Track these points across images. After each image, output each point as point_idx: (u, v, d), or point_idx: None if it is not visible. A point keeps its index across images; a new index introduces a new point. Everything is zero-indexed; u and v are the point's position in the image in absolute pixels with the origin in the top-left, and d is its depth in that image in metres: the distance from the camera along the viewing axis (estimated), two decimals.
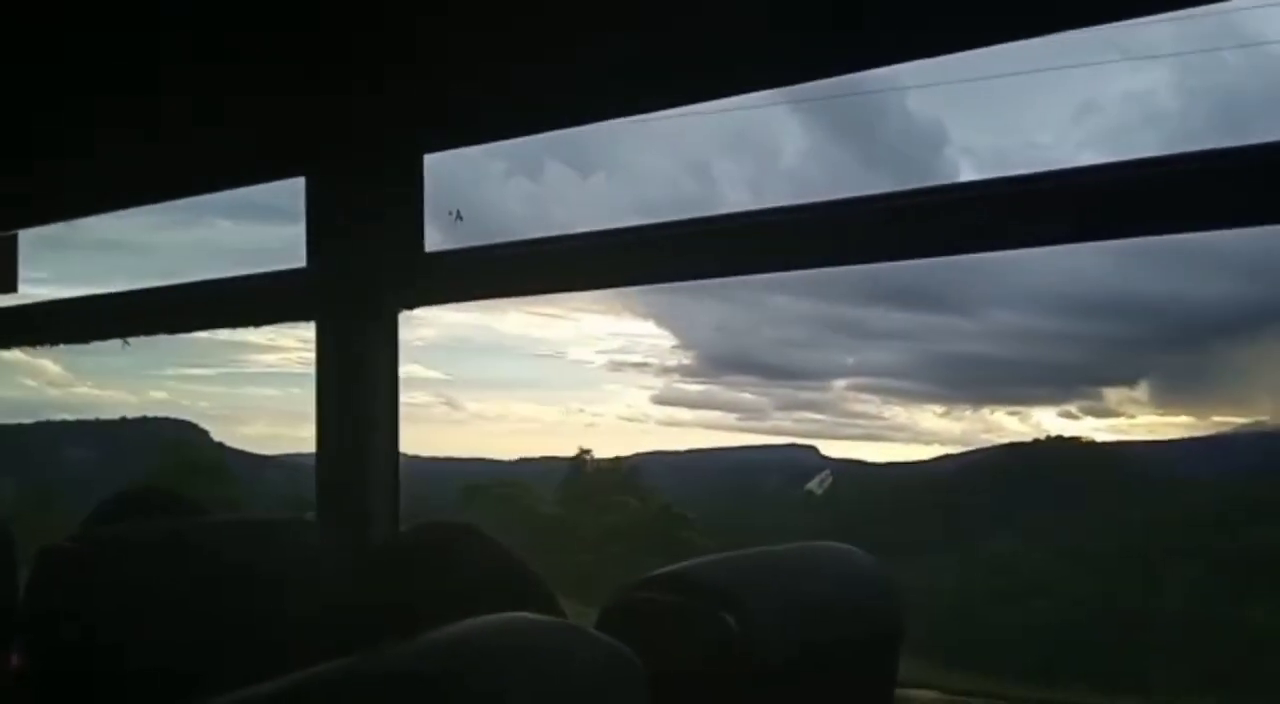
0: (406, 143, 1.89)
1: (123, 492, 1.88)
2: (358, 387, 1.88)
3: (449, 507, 8.82)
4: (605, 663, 0.82)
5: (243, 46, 1.61)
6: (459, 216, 1.95)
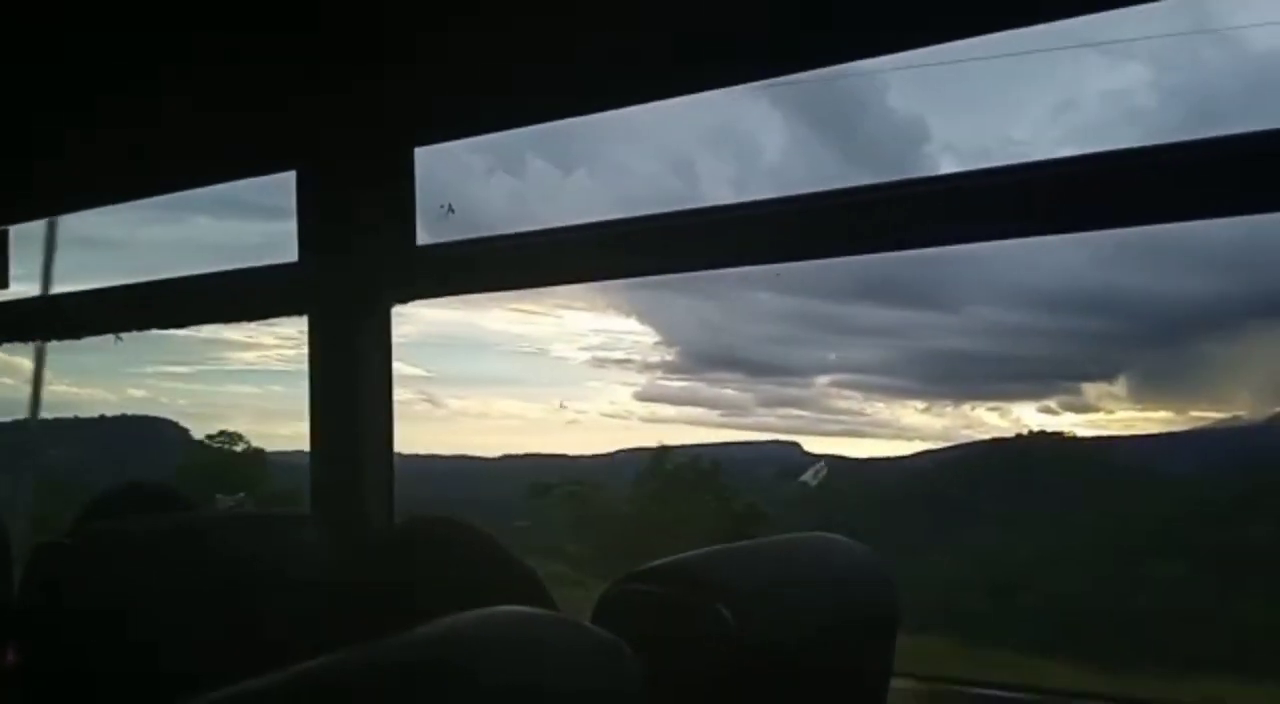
0: (398, 137, 1.89)
1: (117, 488, 1.89)
2: (351, 381, 1.88)
3: (502, 507, 8.65)
4: (598, 656, 0.83)
5: (234, 42, 1.61)
6: (450, 210, 1.95)
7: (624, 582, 1.13)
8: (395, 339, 1.92)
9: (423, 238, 1.91)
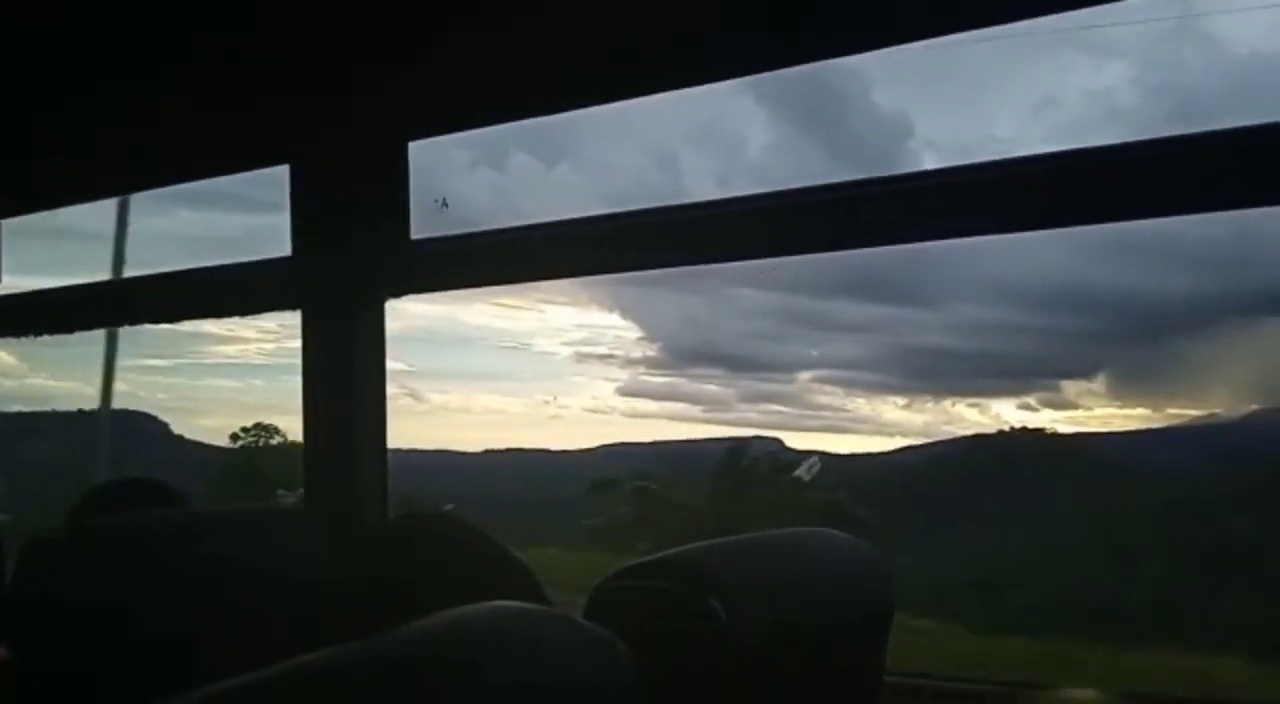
0: (391, 131, 1.89)
1: (110, 482, 1.89)
2: (346, 376, 1.88)
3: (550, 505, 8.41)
4: (592, 650, 0.83)
5: (228, 38, 1.61)
6: (444, 204, 1.95)
7: (617, 576, 1.13)
8: None
9: (416, 232, 1.91)
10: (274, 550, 1.44)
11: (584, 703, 0.80)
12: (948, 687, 1.89)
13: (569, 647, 0.82)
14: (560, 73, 1.63)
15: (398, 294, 1.90)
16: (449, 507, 8.25)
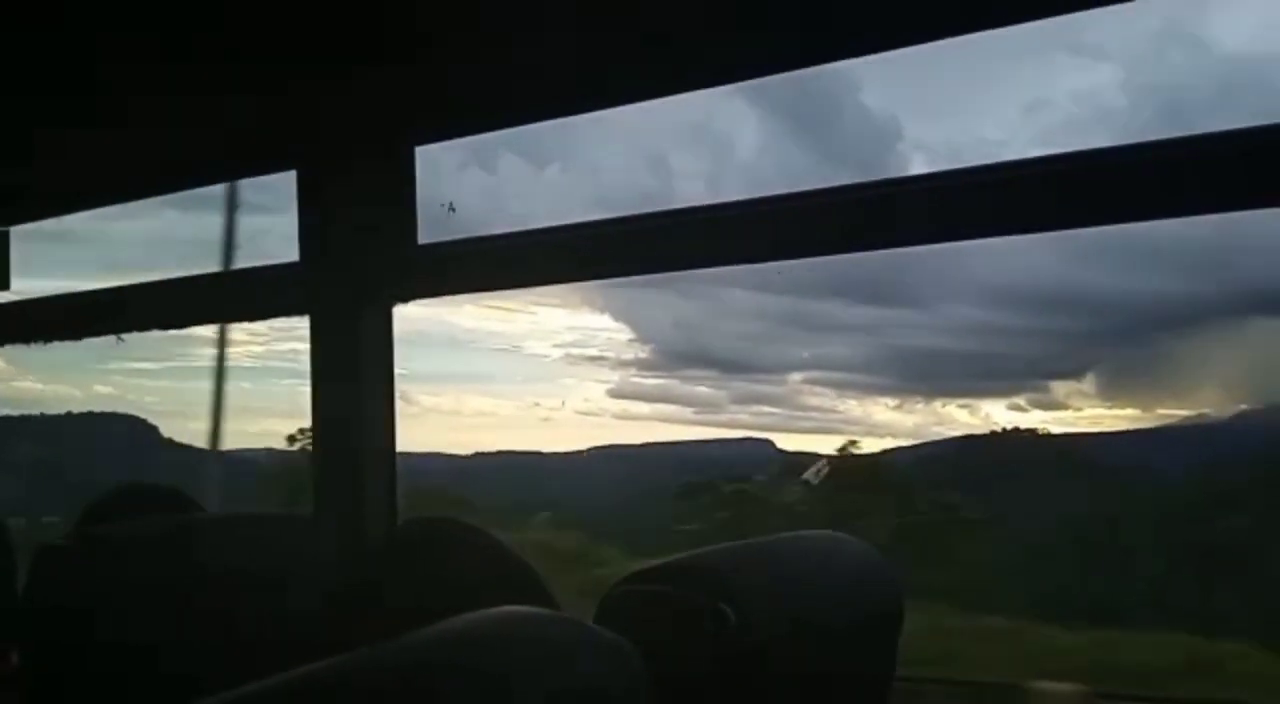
0: (398, 136, 1.89)
1: (119, 489, 1.89)
2: (353, 381, 1.88)
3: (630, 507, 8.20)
4: (603, 655, 0.83)
5: (234, 40, 1.61)
6: (452, 209, 1.95)
7: (627, 581, 1.13)
8: None
9: (423, 237, 1.92)
10: (284, 556, 1.44)
11: None
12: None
13: (580, 651, 0.82)
14: (569, 76, 1.63)
15: (405, 299, 1.90)
16: (545, 515, 8.00)
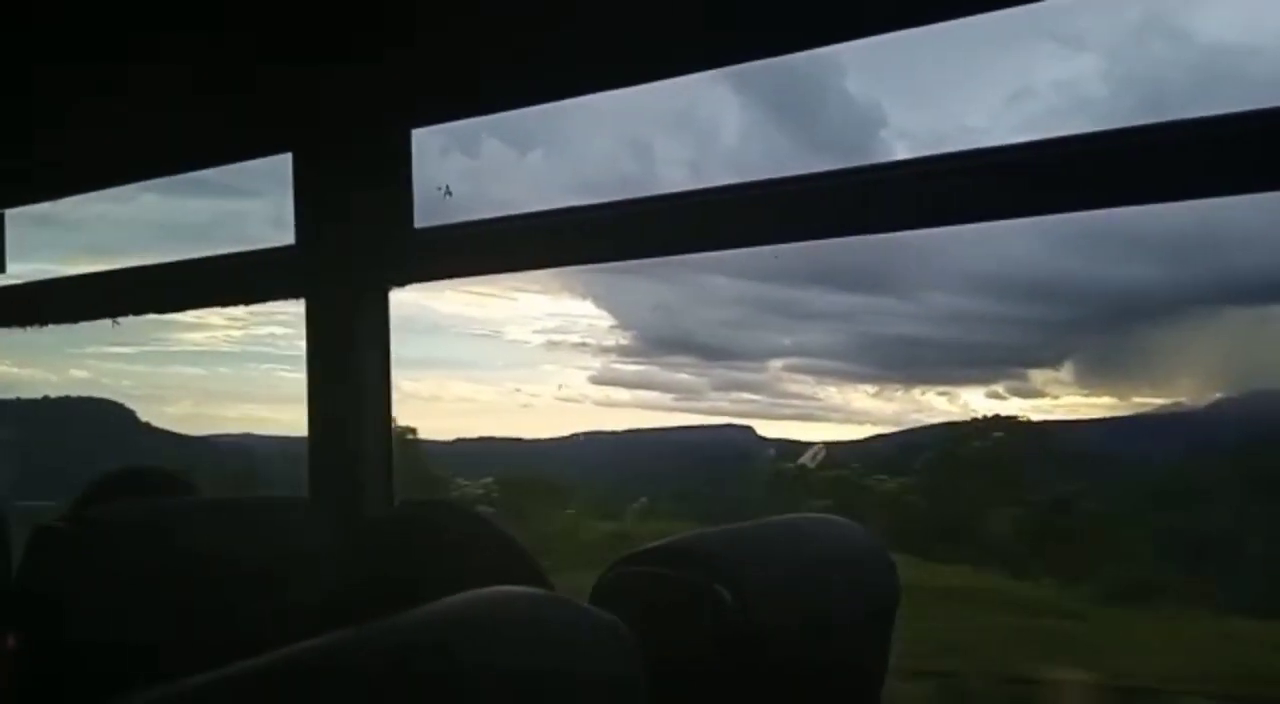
0: (394, 118, 1.87)
1: (115, 471, 1.88)
2: (349, 365, 1.88)
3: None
4: (597, 636, 0.82)
5: (229, 22, 1.60)
6: (448, 192, 1.94)
7: (623, 562, 1.13)
8: None
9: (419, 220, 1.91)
10: (279, 540, 1.44)
11: (589, 688, 0.80)
12: None
13: (574, 631, 0.81)
14: (565, 59, 1.62)
15: (401, 283, 1.89)
16: (641, 502, 7.74)
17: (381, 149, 1.87)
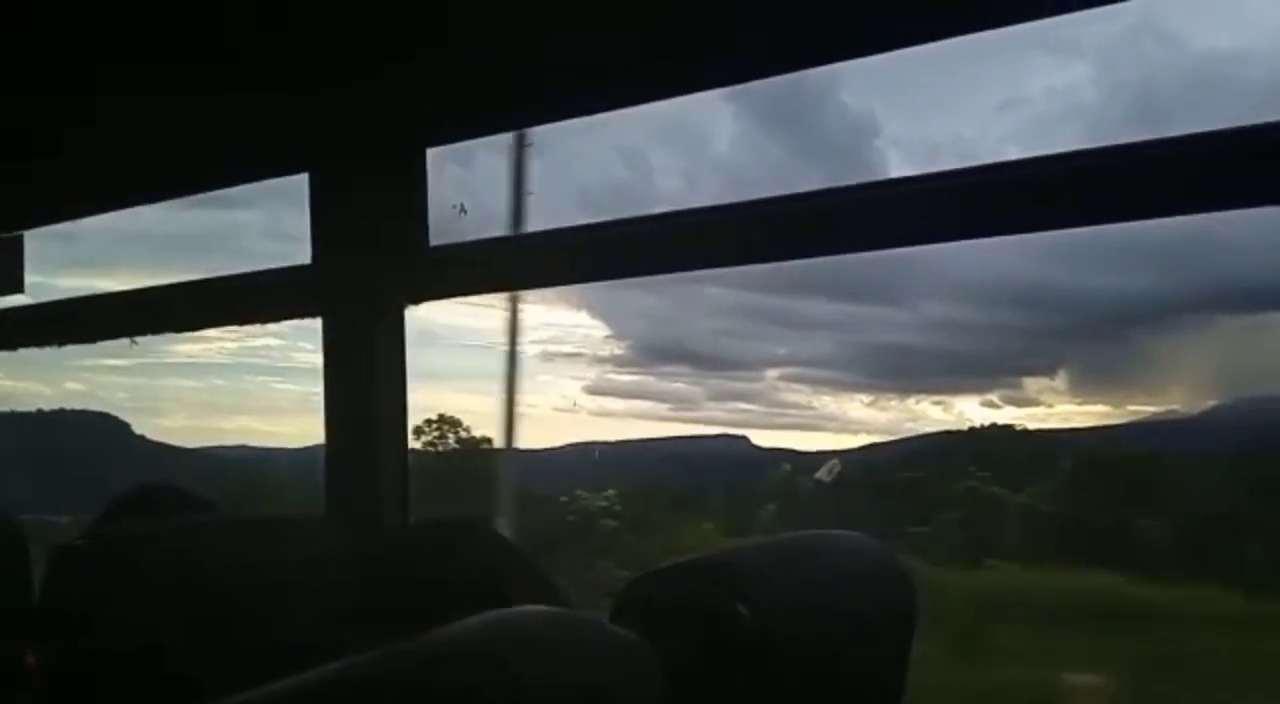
0: (409, 137, 1.88)
1: (135, 489, 1.89)
2: (366, 382, 1.88)
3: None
4: (619, 654, 0.82)
5: (243, 42, 1.61)
6: (463, 210, 1.95)
7: (643, 581, 1.12)
8: None
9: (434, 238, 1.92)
10: (297, 557, 1.44)
11: None
12: None
13: (594, 649, 0.81)
14: (581, 76, 1.63)
15: (417, 301, 1.90)
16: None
17: (397, 168, 1.87)
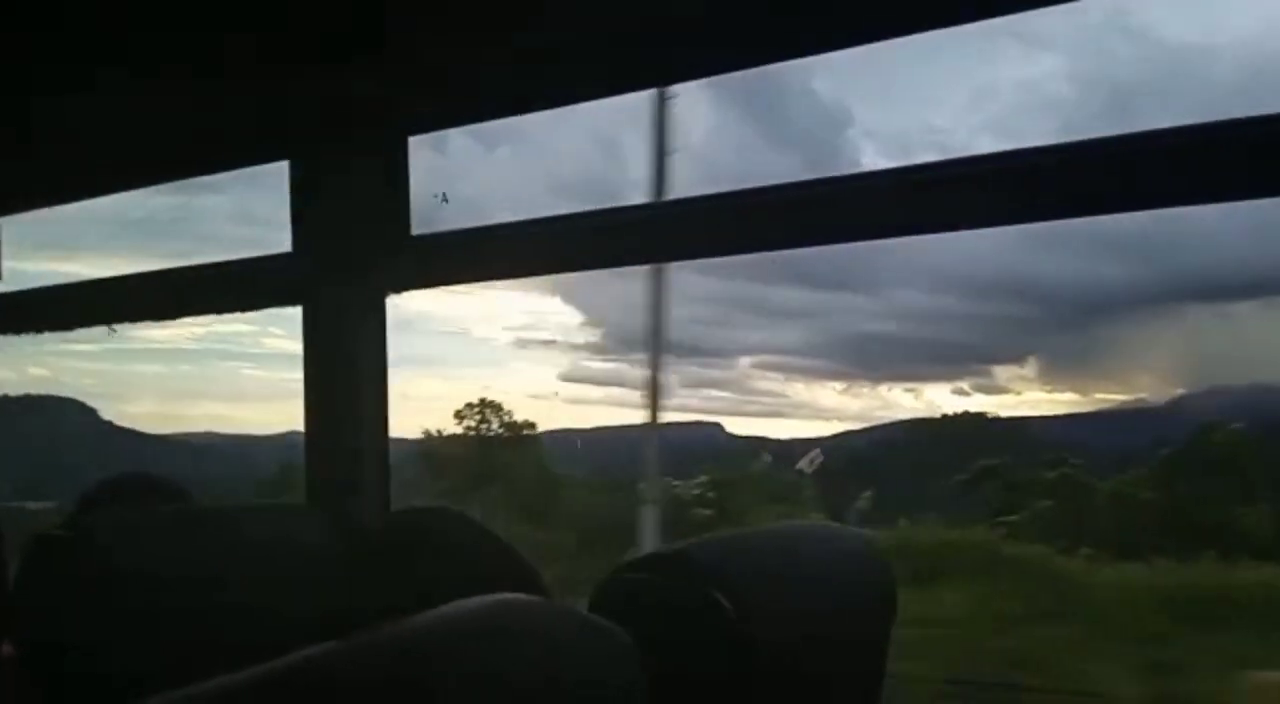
0: (391, 125, 1.87)
1: (111, 478, 1.88)
2: (347, 372, 1.87)
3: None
4: (597, 643, 0.82)
5: (227, 29, 1.59)
6: (444, 199, 1.94)
7: (621, 570, 1.12)
8: None
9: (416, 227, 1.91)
10: (277, 546, 1.43)
11: (588, 696, 0.79)
12: None
13: (572, 639, 0.81)
14: (562, 66, 1.62)
15: (398, 289, 1.89)
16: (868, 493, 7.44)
17: (379, 156, 1.86)
